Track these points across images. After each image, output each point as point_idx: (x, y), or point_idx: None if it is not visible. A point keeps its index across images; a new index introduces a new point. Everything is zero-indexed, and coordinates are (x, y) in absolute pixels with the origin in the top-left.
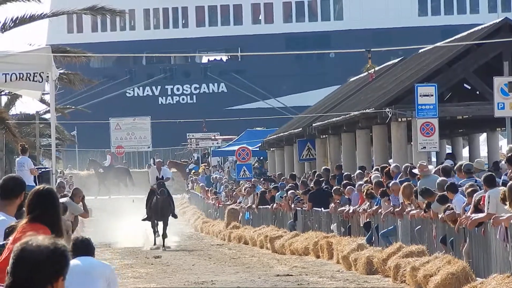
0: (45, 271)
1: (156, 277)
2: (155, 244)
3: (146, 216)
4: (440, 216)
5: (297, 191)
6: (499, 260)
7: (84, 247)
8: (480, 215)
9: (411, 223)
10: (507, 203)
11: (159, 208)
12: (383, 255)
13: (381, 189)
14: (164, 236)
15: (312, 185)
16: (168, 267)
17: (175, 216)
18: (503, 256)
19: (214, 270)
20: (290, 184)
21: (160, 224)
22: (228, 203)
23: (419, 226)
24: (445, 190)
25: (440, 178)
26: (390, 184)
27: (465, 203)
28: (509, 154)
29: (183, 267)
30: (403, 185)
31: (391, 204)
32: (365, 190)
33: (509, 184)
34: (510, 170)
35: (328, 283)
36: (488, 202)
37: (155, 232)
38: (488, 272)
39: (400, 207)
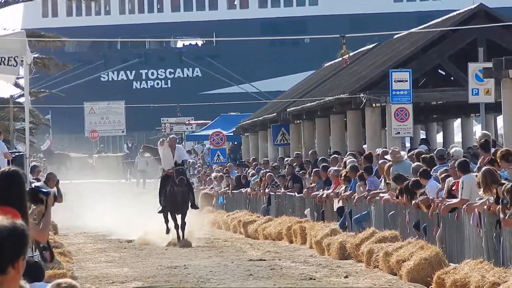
0: (5, 251)
1: (129, 261)
2: (179, 239)
3: (161, 208)
4: (413, 202)
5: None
6: (472, 245)
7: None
8: (454, 200)
9: (384, 208)
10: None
11: (179, 201)
12: (356, 240)
13: (358, 173)
14: (183, 226)
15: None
16: (141, 252)
17: (196, 207)
18: (476, 241)
19: (188, 254)
20: (267, 169)
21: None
22: (201, 187)
23: (393, 212)
24: (418, 175)
25: (415, 163)
26: (379, 162)
27: (438, 189)
28: (482, 140)
29: (156, 251)
30: (386, 164)
31: (367, 188)
32: (343, 174)
33: (482, 169)
34: (483, 156)
35: (301, 268)
36: (462, 188)
37: (176, 226)
38: (461, 258)
39: (374, 191)
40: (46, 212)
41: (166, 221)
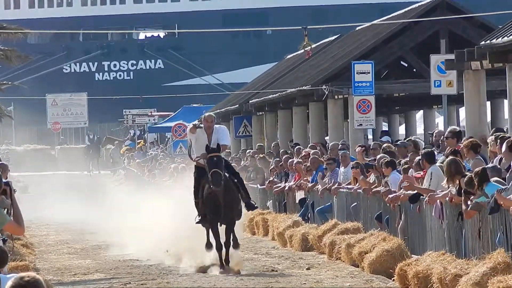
0: None
1: (91, 253)
2: (222, 265)
3: (199, 217)
4: (373, 190)
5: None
6: (434, 237)
7: None
8: (421, 187)
9: (346, 200)
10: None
11: (220, 206)
12: (319, 232)
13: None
14: (228, 244)
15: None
16: (103, 243)
17: (252, 207)
18: (438, 233)
19: (149, 246)
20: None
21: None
22: (164, 179)
23: (355, 203)
24: (382, 166)
25: (381, 154)
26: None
27: (400, 180)
28: (448, 132)
29: (119, 242)
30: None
31: (331, 180)
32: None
33: (447, 160)
34: (448, 148)
35: (264, 260)
36: (430, 179)
37: (218, 247)
38: (423, 249)
39: (336, 184)
40: (13, 203)
41: (208, 232)
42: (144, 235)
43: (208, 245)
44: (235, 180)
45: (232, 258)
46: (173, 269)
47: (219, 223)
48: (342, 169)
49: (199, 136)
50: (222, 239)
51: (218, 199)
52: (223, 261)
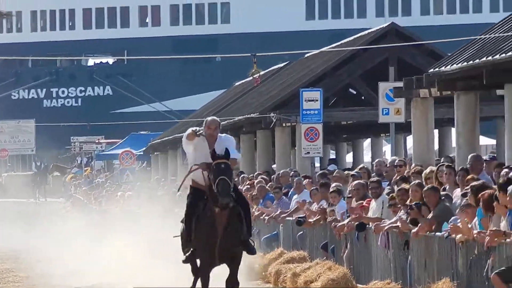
0: None
1: (36, 281)
2: None
3: (188, 250)
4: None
5: None
6: (380, 266)
7: None
8: (369, 216)
9: (293, 228)
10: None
11: (220, 236)
12: (264, 261)
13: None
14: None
15: None
16: (49, 269)
17: (252, 250)
18: (384, 262)
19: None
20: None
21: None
22: (109, 207)
23: (301, 232)
24: (330, 192)
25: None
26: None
27: (343, 212)
28: (396, 163)
29: (67, 267)
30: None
31: (278, 209)
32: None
33: (397, 189)
34: (395, 176)
35: None
36: (382, 207)
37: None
38: (369, 279)
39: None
40: None
41: (196, 276)
42: (91, 263)
43: None
44: (240, 209)
45: None
46: None
47: (216, 262)
48: (295, 196)
49: (199, 145)
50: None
51: (217, 228)
52: None
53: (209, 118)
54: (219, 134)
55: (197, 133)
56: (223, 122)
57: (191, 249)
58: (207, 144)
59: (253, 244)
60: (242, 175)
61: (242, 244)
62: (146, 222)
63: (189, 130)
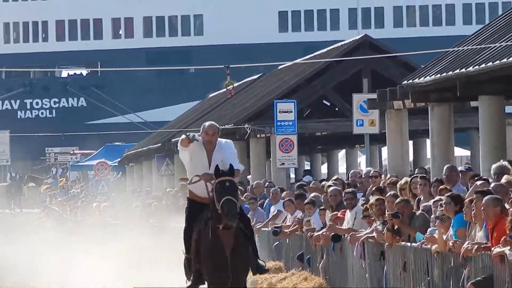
0: None
1: None
2: None
3: (189, 280)
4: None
5: None
6: (356, 277)
7: None
8: (343, 227)
9: (268, 239)
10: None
11: (227, 259)
12: None
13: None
14: None
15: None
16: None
17: (263, 270)
18: (359, 273)
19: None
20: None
21: None
22: (84, 218)
23: (277, 242)
24: (305, 203)
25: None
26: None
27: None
28: (371, 174)
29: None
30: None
31: (253, 219)
32: None
33: (370, 201)
34: (370, 187)
35: None
36: (355, 218)
37: None
38: None
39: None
40: None
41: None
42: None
43: None
44: (246, 230)
45: None
46: None
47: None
48: (272, 208)
49: (196, 153)
50: None
51: (223, 250)
52: None
53: (206, 123)
54: (219, 139)
55: (191, 138)
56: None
57: (195, 274)
58: (206, 152)
59: (263, 263)
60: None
61: (256, 268)
62: (122, 233)
63: (183, 136)
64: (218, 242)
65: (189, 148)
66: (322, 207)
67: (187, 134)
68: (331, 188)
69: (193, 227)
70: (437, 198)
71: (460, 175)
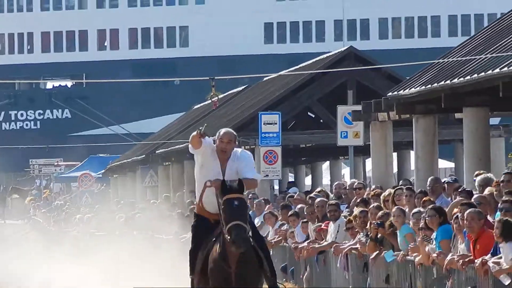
0: None
1: None
2: None
3: None
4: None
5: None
6: None
7: None
8: (324, 243)
9: None
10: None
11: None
12: None
13: None
14: None
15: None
16: None
17: None
18: (343, 284)
19: None
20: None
21: None
22: (68, 230)
23: None
24: (289, 215)
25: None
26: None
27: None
28: (356, 185)
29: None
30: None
31: None
32: None
33: (354, 213)
34: (354, 198)
35: None
36: (337, 231)
37: None
38: None
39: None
40: None
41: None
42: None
43: None
44: (258, 249)
45: None
46: None
47: None
48: (256, 219)
49: (207, 160)
50: None
51: (229, 276)
52: None
53: (222, 130)
54: (235, 149)
55: (202, 131)
56: (180, 146)
57: None
58: (219, 162)
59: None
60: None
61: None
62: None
63: (193, 133)
64: (224, 266)
65: (200, 150)
66: (304, 220)
67: (199, 128)
68: (318, 200)
69: (200, 248)
70: (416, 210)
71: (447, 186)
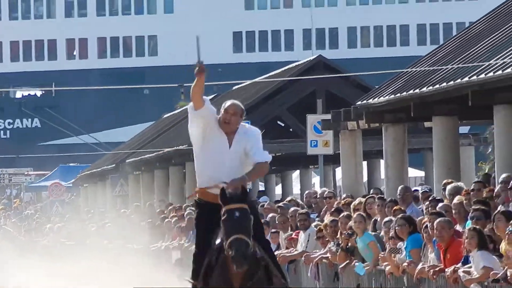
0: None
1: None
2: None
3: None
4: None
5: None
6: None
7: None
8: (295, 252)
9: None
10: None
11: None
12: None
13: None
14: None
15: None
16: None
17: None
18: None
19: None
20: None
21: None
22: (39, 239)
23: None
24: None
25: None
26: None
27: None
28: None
29: None
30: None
31: None
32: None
33: (325, 222)
34: (325, 207)
35: None
36: (308, 240)
37: None
38: None
39: None
40: None
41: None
42: None
43: None
44: (264, 254)
45: None
46: None
47: None
48: None
49: (211, 130)
50: None
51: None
52: None
53: (228, 101)
54: (242, 124)
55: (202, 63)
56: (151, 154)
57: None
58: (225, 137)
59: None
60: (170, 207)
61: None
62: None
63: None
64: (228, 274)
65: (202, 112)
66: (273, 230)
67: (197, 62)
68: (292, 209)
69: (205, 254)
70: (387, 218)
71: (421, 195)
